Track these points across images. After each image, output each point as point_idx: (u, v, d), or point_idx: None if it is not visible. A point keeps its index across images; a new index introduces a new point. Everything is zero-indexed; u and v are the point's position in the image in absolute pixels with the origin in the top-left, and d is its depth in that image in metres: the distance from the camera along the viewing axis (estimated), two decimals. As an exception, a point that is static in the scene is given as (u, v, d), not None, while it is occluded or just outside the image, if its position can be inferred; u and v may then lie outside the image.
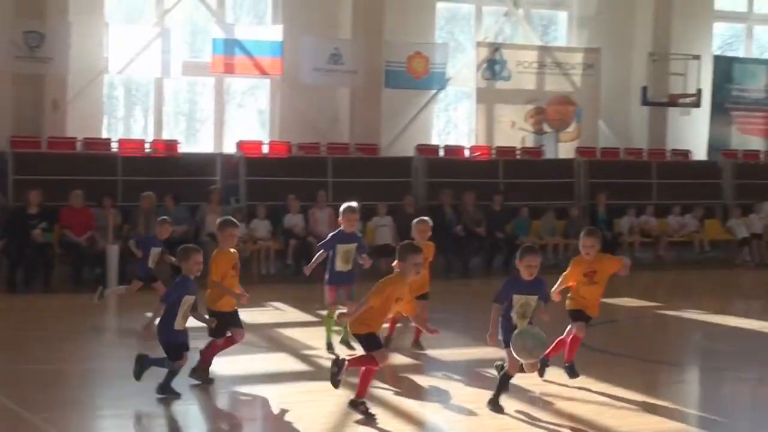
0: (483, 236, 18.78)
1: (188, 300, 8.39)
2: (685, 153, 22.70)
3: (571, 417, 7.92)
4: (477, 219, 18.86)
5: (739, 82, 23.46)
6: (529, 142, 21.81)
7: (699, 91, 22.23)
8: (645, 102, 22.18)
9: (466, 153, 21.20)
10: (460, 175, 20.06)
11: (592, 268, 8.94)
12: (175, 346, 8.35)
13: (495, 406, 8.02)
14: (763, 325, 12.82)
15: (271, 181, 18.71)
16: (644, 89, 22.07)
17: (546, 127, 22.13)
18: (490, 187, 20.02)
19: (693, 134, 23.01)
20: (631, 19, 22.74)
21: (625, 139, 22.59)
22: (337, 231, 10.46)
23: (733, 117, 23.50)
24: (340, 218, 10.48)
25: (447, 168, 20.34)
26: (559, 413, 8.06)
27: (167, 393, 8.30)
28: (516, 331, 7.89)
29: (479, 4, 22.32)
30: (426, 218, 10.63)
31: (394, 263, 8.74)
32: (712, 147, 23.06)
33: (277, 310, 13.43)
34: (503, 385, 8.11)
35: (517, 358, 7.81)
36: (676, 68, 22.30)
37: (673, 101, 22.29)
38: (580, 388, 8.86)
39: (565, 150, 22.08)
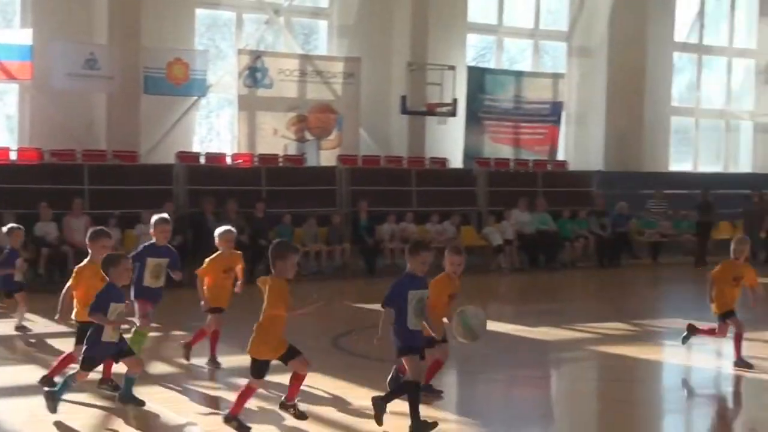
0: (246, 244, 18.65)
1: (116, 308, 8.02)
2: (443, 161, 23.40)
3: (330, 422, 7.95)
4: (239, 226, 18.70)
5: (490, 92, 24.45)
6: (291, 150, 21.86)
7: (455, 101, 23.00)
8: (404, 111, 22.70)
9: (228, 160, 21.02)
10: (222, 182, 19.88)
11: (456, 289, 8.75)
12: (109, 356, 8.31)
13: (417, 424, 7.67)
14: (515, 328, 13.36)
15: (21, 189, 17.90)
16: (403, 98, 22.60)
17: (308, 135, 22.24)
18: (253, 195, 19.97)
19: (450, 143, 23.76)
20: (389, 30, 23.20)
21: (385, 147, 23.03)
22: (149, 243, 9.99)
23: (486, 126, 24.45)
24: (152, 230, 10.02)
25: (208, 175, 20.09)
26: (319, 418, 8.07)
27: (131, 401, 8.36)
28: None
29: (240, 12, 22.20)
30: (231, 228, 10.43)
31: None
32: (467, 155, 23.88)
33: (27, 321, 12.80)
34: (413, 396, 7.69)
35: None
36: (433, 78, 22.97)
37: (430, 110, 22.93)
38: (336, 396, 8.93)
39: (327, 158, 22.27)
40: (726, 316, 10.70)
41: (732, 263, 10.78)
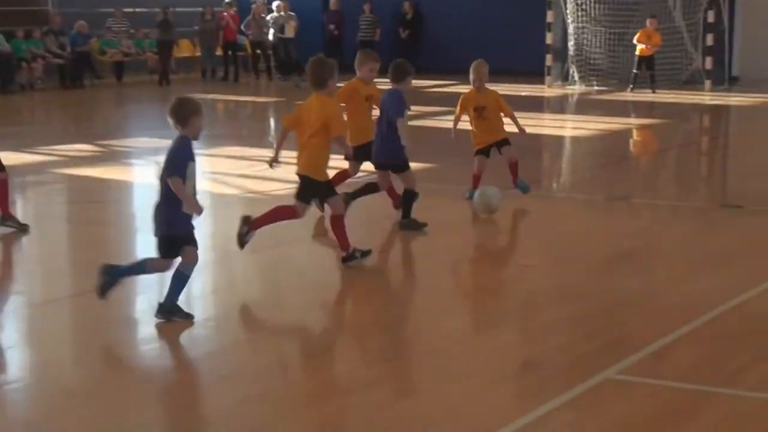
0: None
1: (194, 169, 6.00)
2: None
3: None
4: None
5: None
6: None
7: None
8: None
9: None
10: None
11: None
12: (185, 236, 6.02)
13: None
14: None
15: None
16: None
17: None
18: None
19: None
20: None
21: None
22: None
23: None
24: None
25: None
26: None
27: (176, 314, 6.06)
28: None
29: None
30: None
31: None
32: None
33: None
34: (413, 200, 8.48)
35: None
36: None
37: None
38: None
39: None
40: (480, 152, 9.62)
41: (468, 94, 9.72)
